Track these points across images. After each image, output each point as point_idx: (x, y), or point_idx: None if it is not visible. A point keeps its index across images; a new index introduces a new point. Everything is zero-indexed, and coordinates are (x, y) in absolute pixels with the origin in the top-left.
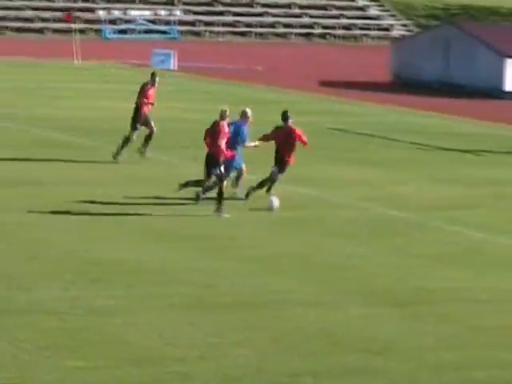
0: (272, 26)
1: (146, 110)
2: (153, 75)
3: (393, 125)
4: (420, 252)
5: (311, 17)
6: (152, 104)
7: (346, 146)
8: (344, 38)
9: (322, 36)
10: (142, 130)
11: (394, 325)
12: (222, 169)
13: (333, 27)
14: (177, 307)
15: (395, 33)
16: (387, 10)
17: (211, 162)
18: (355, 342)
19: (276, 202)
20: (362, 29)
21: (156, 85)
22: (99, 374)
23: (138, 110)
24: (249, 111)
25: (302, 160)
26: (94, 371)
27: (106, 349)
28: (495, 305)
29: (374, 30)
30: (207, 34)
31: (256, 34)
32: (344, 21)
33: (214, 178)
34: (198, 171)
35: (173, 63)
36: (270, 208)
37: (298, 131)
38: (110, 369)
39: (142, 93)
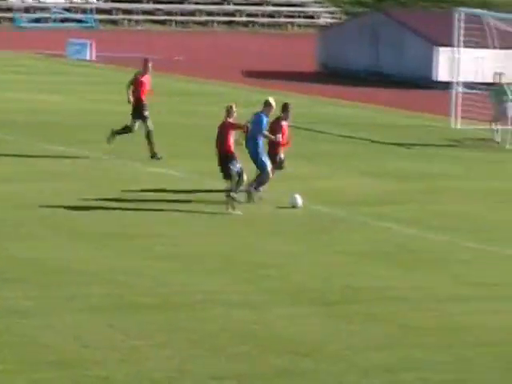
0: (193, 13)
1: (146, 99)
2: (145, 61)
3: (319, 116)
4: (347, 249)
5: (234, 4)
6: (151, 92)
7: None
8: (268, 26)
9: (246, 24)
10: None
11: (322, 325)
12: (238, 164)
13: (256, 15)
14: (97, 308)
15: (322, 20)
16: None
17: (224, 161)
18: (282, 343)
19: (299, 199)
20: (286, 16)
21: (149, 72)
22: (16, 377)
23: (139, 101)
24: (272, 101)
25: None
26: (10, 375)
27: (23, 351)
28: (424, 303)
29: (300, 17)
30: (125, 22)
31: (176, 22)
32: (268, 8)
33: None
34: (112, 165)
35: (89, 53)
36: (294, 205)
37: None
38: (28, 372)
39: (136, 83)
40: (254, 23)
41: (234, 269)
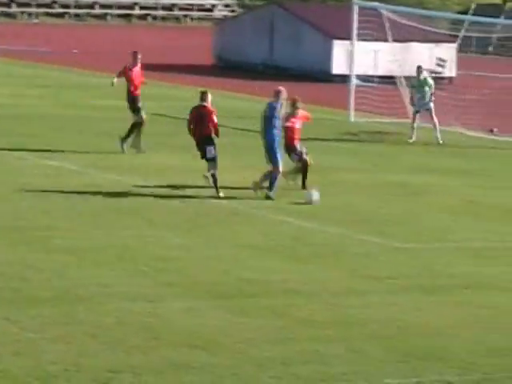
0: (90, 6)
1: (139, 91)
2: (134, 53)
3: (218, 110)
4: (243, 242)
5: None
6: (143, 82)
7: (166, 131)
8: (165, 19)
9: (142, 17)
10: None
11: (218, 318)
12: (213, 151)
13: (153, 8)
14: None
15: (218, 13)
16: None
17: (205, 142)
18: (178, 336)
19: (316, 194)
20: (183, 9)
21: (139, 63)
22: None
23: (130, 93)
24: (283, 91)
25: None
26: None
27: None
28: (319, 297)
29: (196, 10)
30: (22, 15)
31: (72, 15)
32: (165, 1)
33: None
34: (8, 158)
35: None
36: (309, 201)
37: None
38: None
39: (126, 76)
40: (150, 16)
41: (130, 262)
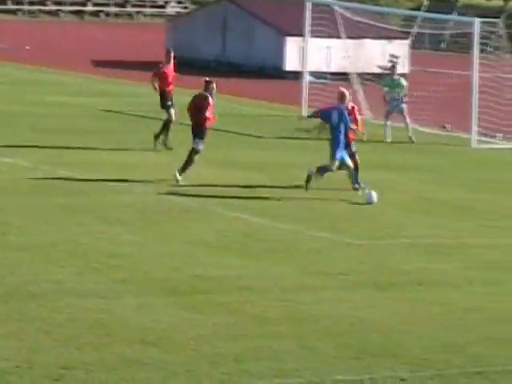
0: (42, 3)
1: (171, 90)
2: (168, 52)
3: None
4: (196, 239)
5: None
6: (174, 80)
7: (120, 128)
8: (117, 15)
9: (95, 14)
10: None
11: (170, 314)
12: (201, 145)
13: (106, 4)
14: None
15: (170, 10)
16: None
17: (194, 132)
18: (131, 332)
19: (375, 195)
20: (136, 6)
21: (171, 62)
22: None
23: (163, 91)
24: (347, 92)
25: (76, 144)
26: None
27: None
28: (272, 293)
29: (149, 7)
30: None
31: (26, 11)
32: None
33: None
34: None
35: None
36: (369, 201)
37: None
38: None
39: (159, 75)
40: (103, 13)
41: (82, 258)
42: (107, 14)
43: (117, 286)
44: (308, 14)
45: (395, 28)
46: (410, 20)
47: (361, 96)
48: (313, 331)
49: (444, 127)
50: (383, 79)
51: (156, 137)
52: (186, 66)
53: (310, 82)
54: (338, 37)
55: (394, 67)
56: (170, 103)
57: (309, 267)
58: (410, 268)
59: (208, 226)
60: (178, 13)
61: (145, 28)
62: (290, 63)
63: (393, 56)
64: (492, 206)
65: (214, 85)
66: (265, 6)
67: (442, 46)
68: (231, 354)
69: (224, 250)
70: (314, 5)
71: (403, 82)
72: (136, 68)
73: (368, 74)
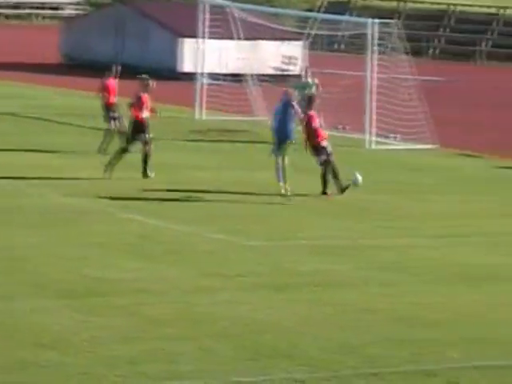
0: None
1: (112, 102)
2: (112, 68)
3: (64, 108)
4: (92, 241)
5: None
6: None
7: (15, 130)
8: (13, 17)
9: None
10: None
11: (67, 317)
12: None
13: (2, 6)
14: None
15: (66, 12)
16: None
17: (137, 128)
18: (26, 335)
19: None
20: (32, 8)
21: (117, 76)
22: None
23: (107, 105)
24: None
25: None
26: None
27: None
28: (169, 295)
29: (45, 9)
30: None
31: None
32: None
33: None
34: None
35: None
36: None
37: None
38: None
39: (103, 87)
40: (1, 15)
41: None
42: (7, 17)
43: (12, 288)
44: (202, 16)
45: (290, 29)
46: (305, 21)
47: (256, 97)
48: (209, 333)
49: (341, 128)
50: (292, 82)
51: (102, 149)
52: (81, 67)
53: (205, 84)
54: (233, 38)
55: (306, 70)
56: (113, 115)
57: (205, 269)
58: (306, 269)
59: (104, 228)
60: (73, 15)
61: (41, 30)
62: (185, 65)
63: (288, 57)
64: (387, 207)
65: (150, 82)
66: (159, 7)
67: (338, 46)
68: (127, 357)
69: (120, 252)
70: (209, 6)
71: (311, 82)
72: (31, 70)
73: (263, 75)
